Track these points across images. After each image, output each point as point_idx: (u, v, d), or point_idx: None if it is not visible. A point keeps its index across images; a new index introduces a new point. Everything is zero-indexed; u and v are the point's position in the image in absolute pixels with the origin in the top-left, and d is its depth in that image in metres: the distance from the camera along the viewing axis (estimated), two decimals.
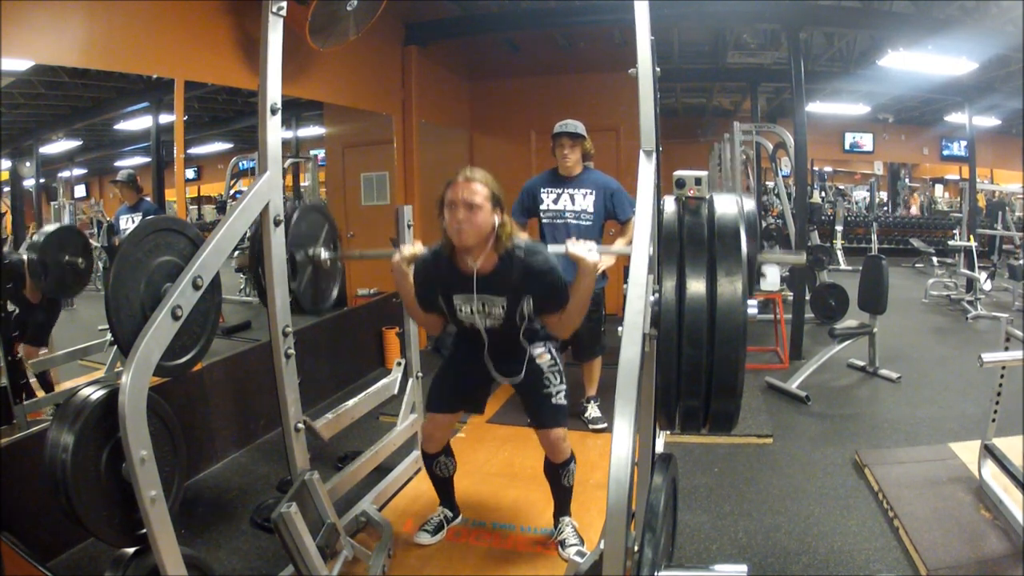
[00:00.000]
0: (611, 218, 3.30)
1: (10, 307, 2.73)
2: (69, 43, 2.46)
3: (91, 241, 3.11)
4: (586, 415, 3.46)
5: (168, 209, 3.29)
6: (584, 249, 1.87)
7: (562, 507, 2.34)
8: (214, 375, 3.19)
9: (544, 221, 3.31)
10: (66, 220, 3.61)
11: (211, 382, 3.17)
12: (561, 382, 2.22)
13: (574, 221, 3.25)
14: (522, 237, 2.06)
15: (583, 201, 3.24)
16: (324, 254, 2.26)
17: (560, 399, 2.20)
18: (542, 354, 2.20)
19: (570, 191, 3.26)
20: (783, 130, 6.23)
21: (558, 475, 2.25)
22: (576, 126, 3.17)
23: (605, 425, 3.35)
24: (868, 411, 3.82)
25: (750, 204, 1.66)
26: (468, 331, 2.13)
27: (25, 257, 2.70)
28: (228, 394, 3.28)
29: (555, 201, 3.28)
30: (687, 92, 9.08)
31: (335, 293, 2.37)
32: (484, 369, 2.18)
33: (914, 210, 12.52)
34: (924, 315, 6.55)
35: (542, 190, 3.30)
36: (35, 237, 2.79)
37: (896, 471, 2.83)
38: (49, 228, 2.85)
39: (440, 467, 2.37)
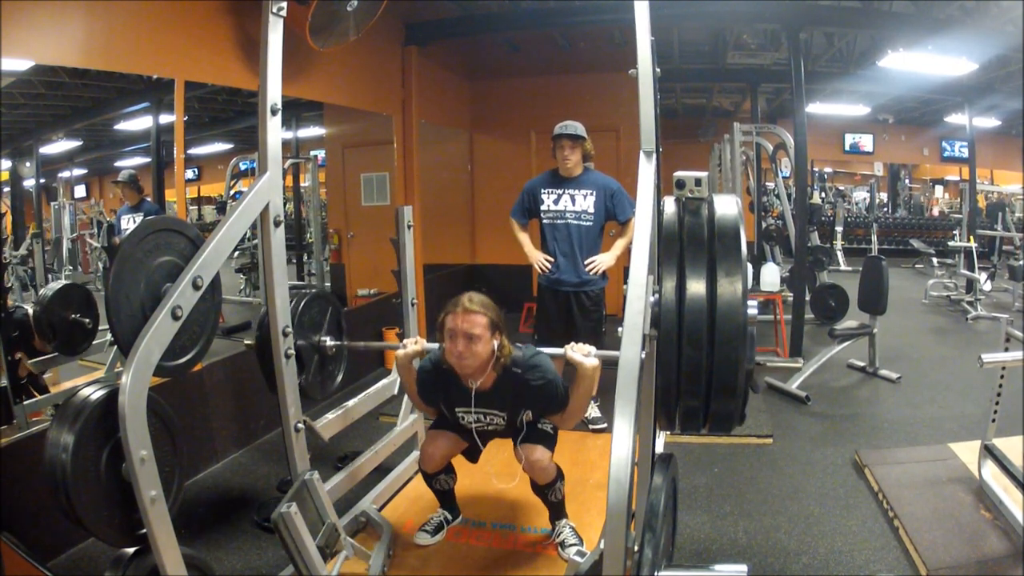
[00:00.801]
0: (611, 218, 3.31)
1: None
2: (69, 43, 2.46)
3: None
4: (586, 415, 3.44)
5: (168, 209, 3.29)
6: (582, 354, 1.92)
7: (557, 514, 2.35)
8: (214, 375, 3.19)
9: (544, 222, 3.32)
10: (66, 220, 3.62)
11: (211, 382, 3.17)
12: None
13: (575, 222, 3.25)
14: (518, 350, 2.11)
15: (584, 202, 3.25)
16: (329, 341, 2.31)
17: (546, 427, 2.23)
18: None
19: (571, 192, 3.26)
20: (783, 131, 6.23)
21: (545, 494, 2.26)
22: (576, 127, 3.18)
23: (605, 425, 3.35)
24: (868, 411, 3.82)
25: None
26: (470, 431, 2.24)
27: (31, 311, 2.74)
28: (228, 394, 3.28)
29: (556, 202, 3.28)
30: (687, 92, 9.07)
31: (340, 376, 2.43)
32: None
33: (935, 211, 12.30)
34: (924, 316, 6.55)
35: (543, 191, 3.31)
36: (41, 292, 2.85)
37: (896, 471, 2.83)
38: (55, 285, 2.90)
39: (440, 483, 2.39)
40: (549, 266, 3.29)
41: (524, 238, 3.40)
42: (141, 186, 3.49)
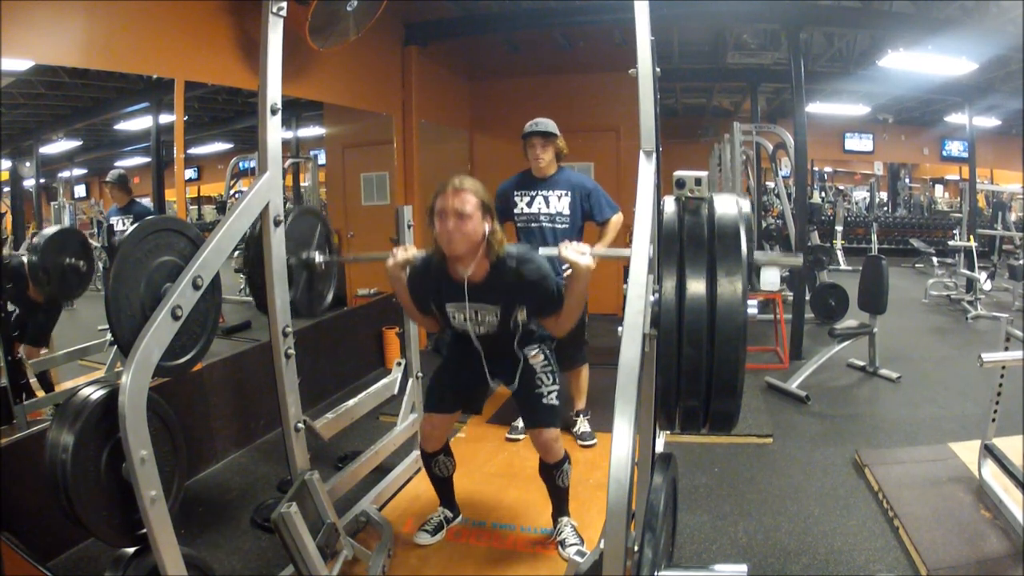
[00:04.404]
0: (588, 219, 3.13)
1: (10, 307, 2.73)
2: (69, 43, 2.46)
3: (91, 242, 3.10)
4: (575, 430, 3.26)
5: (168, 209, 3.29)
6: (577, 252, 1.86)
7: (560, 507, 2.34)
8: (214, 375, 3.19)
9: (519, 225, 3.14)
10: (66, 220, 3.62)
11: (211, 382, 3.17)
12: (554, 383, 2.21)
13: (549, 224, 3.08)
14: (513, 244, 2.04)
15: (558, 203, 3.07)
16: (319, 257, 2.26)
17: (552, 399, 2.19)
18: (536, 355, 2.20)
19: (544, 193, 3.08)
20: (783, 130, 6.23)
21: (552, 476, 2.25)
22: (547, 124, 3.03)
23: (595, 442, 3.20)
24: (868, 411, 3.82)
25: (744, 204, 1.64)
26: (463, 336, 2.15)
27: (26, 260, 2.69)
28: (228, 394, 3.28)
29: (528, 204, 3.11)
30: (687, 92, 9.08)
31: (331, 296, 2.37)
32: (481, 370, 2.20)
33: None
34: (924, 315, 6.55)
35: (515, 193, 3.13)
36: (35, 240, 2.77)
37: (896, 471, 2.83)
38: (49, 231, 2.83)
39: (439, 466, 2.37)
40: None
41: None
42: (130, 187, 3.49)
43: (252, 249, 2.03)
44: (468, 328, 2.10)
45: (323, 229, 2.32)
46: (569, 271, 2.99)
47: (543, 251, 2.03)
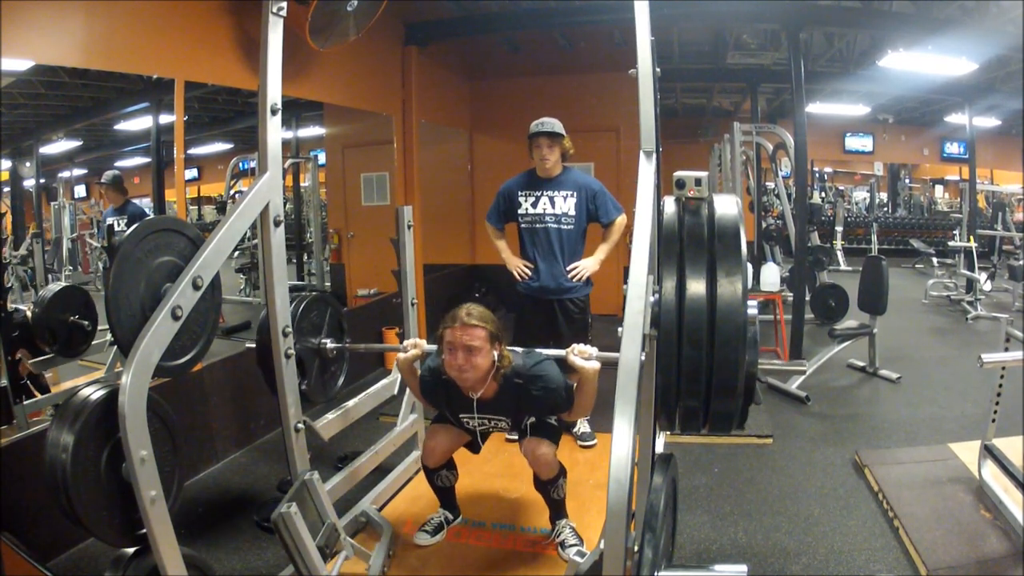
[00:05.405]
0: (594, 220, 3.10)
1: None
2: (69, 43, 2.46)
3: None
4: (575, 430, 3.22)
5: (168, 209, 3.29)
6: (583, 358, 1.93)
7: (557, 513, 2.35)
8: (214, 375, 3.19)
9: (523, 226, 3.11)
10: (66, 221, 3.63)
11: (211, 382, 3.17)
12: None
13: (554, 225, 3.04)
14: (517, 359, 2.11)
15: (563, 204, 3.04)
16: (330, 344, 2.31)
17: (551, 420, 2.25)
18: None
19: (549, 193, 3.05)
20: (783, 131, 6.22)
21: (547, 490, 2.26)
22: (554, 124, 3.00)
23: (595, 442, 3.18)
24: (868, 411, 3.82)
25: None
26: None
27: (30, 314, 2.74)
28: (228, 394, 3.28)
29: (533, 204, 3.07)
30: (687, 92, 9.07)
31: (342, 379, 2.43)
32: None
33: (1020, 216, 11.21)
34: (924, 316, 6.56)
35: (519, 193, 3.09)
36: (40, 294, 2.85)
37: (896, 471, 2.83)
38: (53, 288, 2.89)
39: (442, 479, 2.39)
40: (529, 273, 3.09)
41: (502, 244, 3.20)
42: (125, 187, 3.49)
43: (263, 335, 2.05)
44: (479, 431, 2.26)
45: (333, 314, 2.37)
46: (576, 271, 3.06)
47: (547, 353, 2.10)
